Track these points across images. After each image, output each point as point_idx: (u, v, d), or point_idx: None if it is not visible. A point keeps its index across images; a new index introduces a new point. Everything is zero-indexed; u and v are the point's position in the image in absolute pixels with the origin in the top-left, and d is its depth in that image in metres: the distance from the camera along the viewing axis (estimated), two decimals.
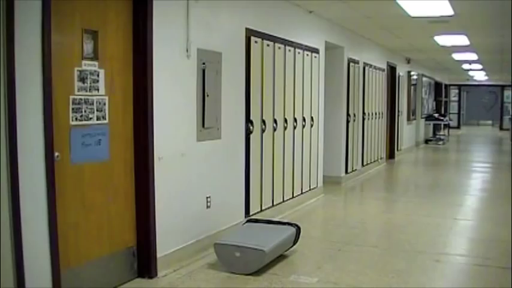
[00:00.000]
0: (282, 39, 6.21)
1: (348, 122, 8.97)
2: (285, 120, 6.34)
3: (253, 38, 5.56)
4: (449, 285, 4.32)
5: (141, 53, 4.03)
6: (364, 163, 10.03)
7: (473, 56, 12.93)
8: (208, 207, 4.89)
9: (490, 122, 30.85)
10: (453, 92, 28.18)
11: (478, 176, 10.82)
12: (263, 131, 5.80)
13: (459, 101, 28.93)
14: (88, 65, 3.60)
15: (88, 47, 3.61)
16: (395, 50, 12.02)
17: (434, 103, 19.85)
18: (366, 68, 9.85)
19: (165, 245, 4.26)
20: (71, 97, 3.47)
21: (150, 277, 4.11)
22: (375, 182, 9.74)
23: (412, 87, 15.16)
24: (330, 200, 7.63)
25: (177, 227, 4.45)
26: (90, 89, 3.62)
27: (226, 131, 5.12)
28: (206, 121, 4.78)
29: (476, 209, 7.54)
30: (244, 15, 5.47)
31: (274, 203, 6.14)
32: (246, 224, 4.98)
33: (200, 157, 4.76)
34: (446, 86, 23.25)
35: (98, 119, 3.69)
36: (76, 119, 3.51)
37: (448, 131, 19.88)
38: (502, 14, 6.84)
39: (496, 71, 17.90)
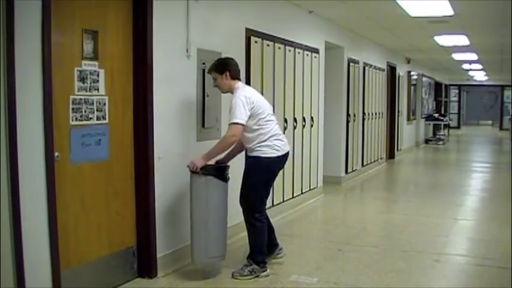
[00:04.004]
0: (282, 39, 6.21)
1: (348, 122, 8.96)
2: (285, 120, 6.34)
3: (253, 38, 5.56)
4: (449, 285, 4.32)
5: (141, 53, 4.03)
6: (364, 163, 10.02)
7: (473, 56, 12.93)
8: None
9: (490, 122, 30.86)
10: (453, 92, 28.19)
11: (478, 176, 10.82)
12: None
13: (459, 101, 28.94)
14: (88, 65, 3.60)
15: (88, 47, 3.60)
16: (395, 50, 12.02)
17: (434, 103, 19.85)
18: (366, 68, 9.85)
19: (165, 245, 4.25)
20: (71, 97, 3.47)
21: (150, 277, 4.11)
22: (375, 182, 9.74)
23: (412, 87, 15.16)
24: (329, 200, 7.63)
25: (177, 227, 4.45)
26: (90, 89, 3.62)
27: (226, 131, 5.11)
28: (206, 121, 4.77)
29: (476, 209, 7.54)
30: (244, 15, 5.47)
31: (274, 203, 6.14)
32: None
33: None
34: (446, 86, 23.26)
35: (98, 119, 3.69)
36: (76, 119, 3.51)
37: (448, 131, 19.88)
38: (502, 14, 6.84)
39: (496, 71, 17.89)
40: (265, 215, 4.34)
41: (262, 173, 4.18)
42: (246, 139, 4.17)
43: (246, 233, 4.30)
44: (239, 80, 4.29)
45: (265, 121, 4.13)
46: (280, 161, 4.25)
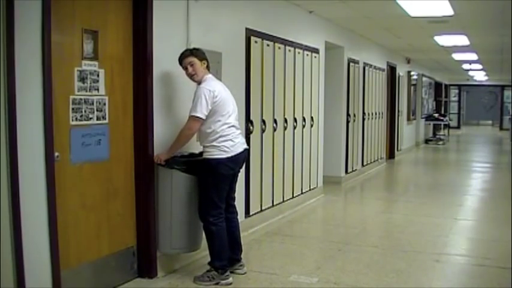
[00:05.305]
0: (282, 39, 6.21)
1: (348, 122, 8.97)
2: (285, 120, 6.34)
3: (253, 38, 5.56)
4: (449, 285, 4.32)
5: (141, 53, 4.03)
6: (364, 163, 10.02)
7: (473, 56, 12.93)
8: None
9: (490, 122, 30.87)
10: (453, 92, 28.19)
11: (478, 176, 10.82)
12: (263, 131, 5.79)
13: (459, 101, 28.95)
14: (88, 65, 3.60)
15: (88, 47, 3.60)
16: (395, 50, 12.02)
17: (434, 103, 19.85)
18: (366, 68, 9.85)
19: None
20: (71, 97, 3.47)
21: (150, 277, 4.11)
22: (375, 182, 9.73)
23: (412, 87, 15.16)
24: (330, 200, 7.63)
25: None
26: (90, 89, 3.62)
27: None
28: None
29: (476, 209, 7.54)
30: (244, 15, 5.47)
31: (274, 203, 6.14)
32: None
33: None
34: (446, 86, 23.26)
35: (98, 119, 3.69)
36: (76, 119, 3.51)
37: (448, 131, 19.87)
38: (502, 14, 6.84)
39: (496, 71, 17.89)
40: (223, 219, 4.08)
41: (210, 175, 3.98)
42: (199, 133, 4.05)
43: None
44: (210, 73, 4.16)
45: (217, 121, 3.95)
46: (230, 162, 4.00)
